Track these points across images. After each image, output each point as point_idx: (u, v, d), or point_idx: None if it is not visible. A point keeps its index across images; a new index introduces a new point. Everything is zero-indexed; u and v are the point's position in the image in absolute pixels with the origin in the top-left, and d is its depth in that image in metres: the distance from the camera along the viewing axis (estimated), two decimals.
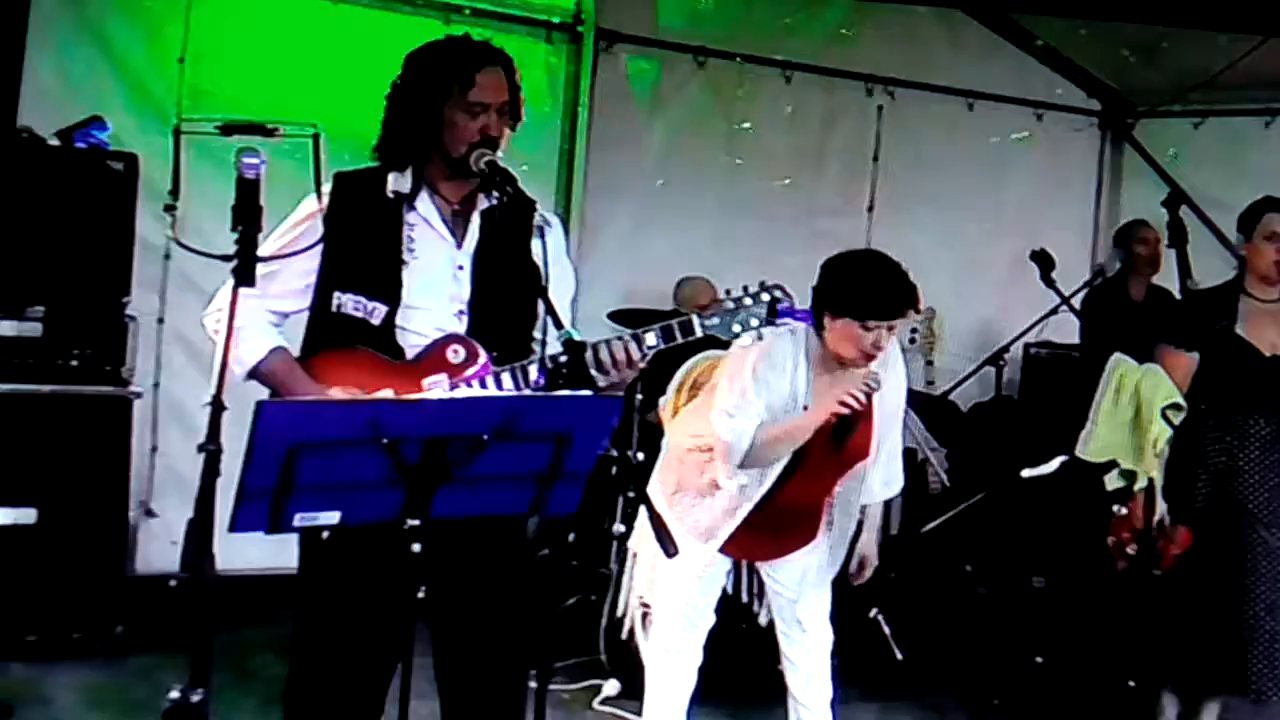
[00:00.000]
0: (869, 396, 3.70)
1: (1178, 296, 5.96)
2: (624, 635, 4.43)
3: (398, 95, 3.17)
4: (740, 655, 4.70)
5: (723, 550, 4.03)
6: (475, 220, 3.19)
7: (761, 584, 4.21)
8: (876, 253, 3.94)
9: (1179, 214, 5.83)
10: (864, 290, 3.71)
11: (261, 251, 2.77)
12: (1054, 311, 6.85)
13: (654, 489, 4.09)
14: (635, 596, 4.35)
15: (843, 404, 3.64)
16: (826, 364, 3.84)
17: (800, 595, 4.09)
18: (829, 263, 3.86)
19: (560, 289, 3.19)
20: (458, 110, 3.09)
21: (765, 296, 3.15)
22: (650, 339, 3.12)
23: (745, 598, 4.29)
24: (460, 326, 3.13)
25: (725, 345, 3.97)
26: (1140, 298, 6.64)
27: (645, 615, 4.29)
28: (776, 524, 3.99)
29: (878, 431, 3.97)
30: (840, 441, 3.82)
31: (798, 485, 3.94)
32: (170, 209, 2.90)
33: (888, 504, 4.28)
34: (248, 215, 2.71)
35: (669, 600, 4.15)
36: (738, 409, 3.79)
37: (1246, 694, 4.50)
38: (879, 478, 4.11)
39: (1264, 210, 4.57)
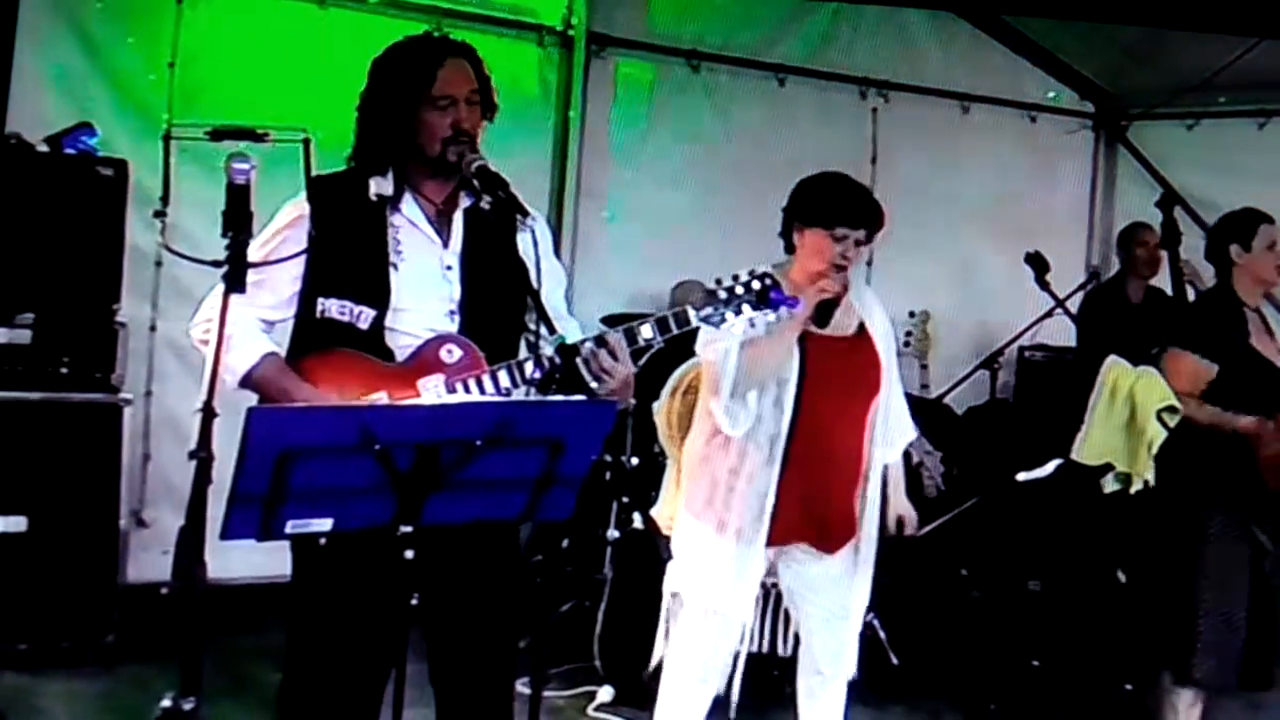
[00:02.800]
0: (861, 327, 3.97)
1: (1170, 298, 5.97)
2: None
3: (367, 102, 3.16)
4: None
5: (773, 534, 3.91)
6: (458, 219, 3.18)
7: (785, 615, 4.16)
8: (843, 173, 4.06)
9: (1173, 215, 5.83)
10: (832, 199, 3.93)
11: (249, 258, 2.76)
12: (1049, 314, 6.85)
13: (682, 513, 4.02)
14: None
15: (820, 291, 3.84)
16: (794, 291, 3.86)
17: (831, 616, 4.03)
18: (796, 186, 4.03)
19: (552, 283, 3.20)
20: (426, 108, 3.08)
21: (756, 285, 3.14)
22: (646, 331, 3.11)
23: (767, 636, 4.26)
24: (452, 327, 3.11)
25: None
26: (1138, 300, 6.64)
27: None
28: (819, 482, 3.93)
29: (884, 363, 4.02)
30: (825, 317, 3.92)
31: (822, 417, 3.89)
32: (160, 215, 2.91)
33: (883, 506, 4.24)
34: (238, 221, 2.70)
35: (697, 608, 4.01)
36: (715, 335, 3.73)
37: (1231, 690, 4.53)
38: (893, 428, 4.12)
39: (1258, 221, 4.63)
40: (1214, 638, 4.47)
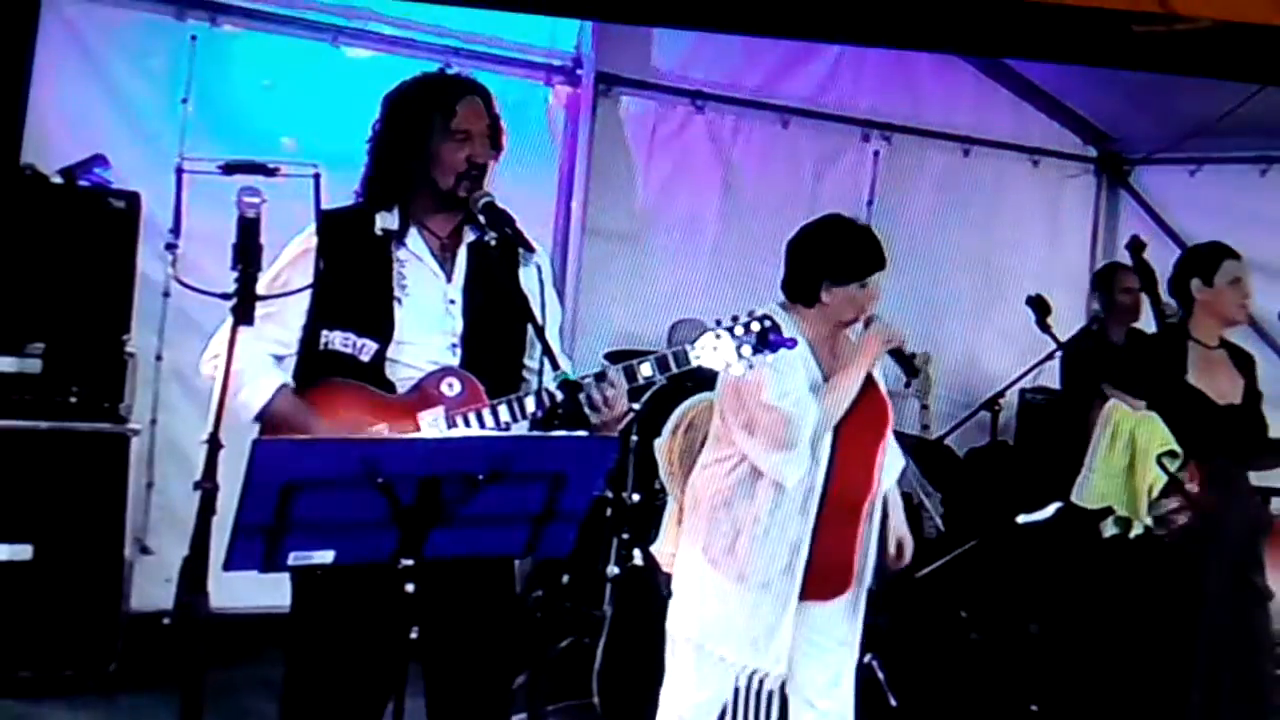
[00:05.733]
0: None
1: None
2: None
3: (381, 136, 3.21)
4: None
5: (806, 588, 3.88)
6: (462, 254, 3.22)
7: None
8: (838, 215, 4.03)
9: (1143, 257, 5.85)
10: (861, 251, 3.91)
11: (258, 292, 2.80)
12: (1050, 357, 6.84)
13: (693, 556, 3.93)
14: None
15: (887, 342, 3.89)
16: (822, 338, 3.93)
17: (827, 648, 4.01)
18: (808, 239, 3.97)
19: (549, 320, 3.22)
20: (442, 142, 3.13)
21: (756, 326, 3.16)
22: (646, 369, 3.15)
23: None
24: (454, 360, 3.15)
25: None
26: (1121, 342, 6.63)
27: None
28: (843, 530, 3.92)
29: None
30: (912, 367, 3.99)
31: (845, 464, 3.90)
32: (171, 247, 2.95)
33: (882, 547, 4.25)
34: (248, 254, 2.74)
35: (699, 653, 3.95)
36: (784, 384, 3.75)
37: None
38: (892, 458, 4.14)
39: (1221, 256, 4.65)
40: (1210, 687, 4.47)
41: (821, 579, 3.93)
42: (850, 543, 3.96)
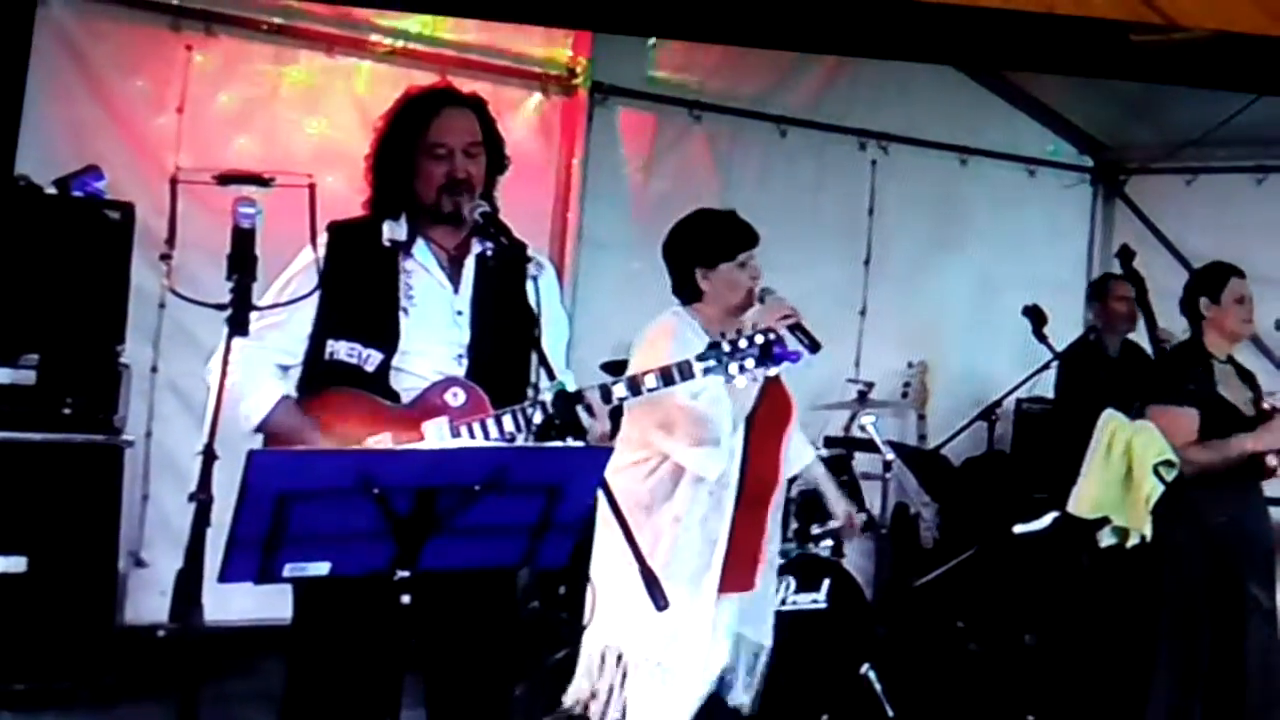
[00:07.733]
0: None
1: (1149, 349, 6.03)
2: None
3: (374, 150, 3.22)
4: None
5: (724, 581, 3.89)
6: (469, 265, 3.22)
7: None
8: (700, 209, 4.17)
9: (1133, 265, 5.88)
10: (723, 232, 4.01)
11: (261, 303, 2.80)
12: (1046, 366, 6.86)
13: (618, 563, 3.68)
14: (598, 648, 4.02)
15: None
16: (717, 326, 3.88)
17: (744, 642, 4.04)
18: (673, 235, 4.12)
19: (554, 333, 3.23)
20: (422, 156, 3.14)
21: (760, 339, 3.18)
22: (650, 381, 3.16)
23: None
24: (460, 370, 3.15)
25: None
26: (1115, 354, 6.64)
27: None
28: (755, 522, 3.96)
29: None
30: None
31: (755, 456, 3.93)
32: (166, 258, 2.94)
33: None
34: (243, 265, 2.73)
35: (649, 666, 3.91)
36: (694, 384, 3.63)
37: None
38: (798, 442, 4.23)
39: (1227, 275, 4.76)
40: (1207, 701, 4.48)
41: (739, 571, 3.95)
42: (760, 533, 4.00)
